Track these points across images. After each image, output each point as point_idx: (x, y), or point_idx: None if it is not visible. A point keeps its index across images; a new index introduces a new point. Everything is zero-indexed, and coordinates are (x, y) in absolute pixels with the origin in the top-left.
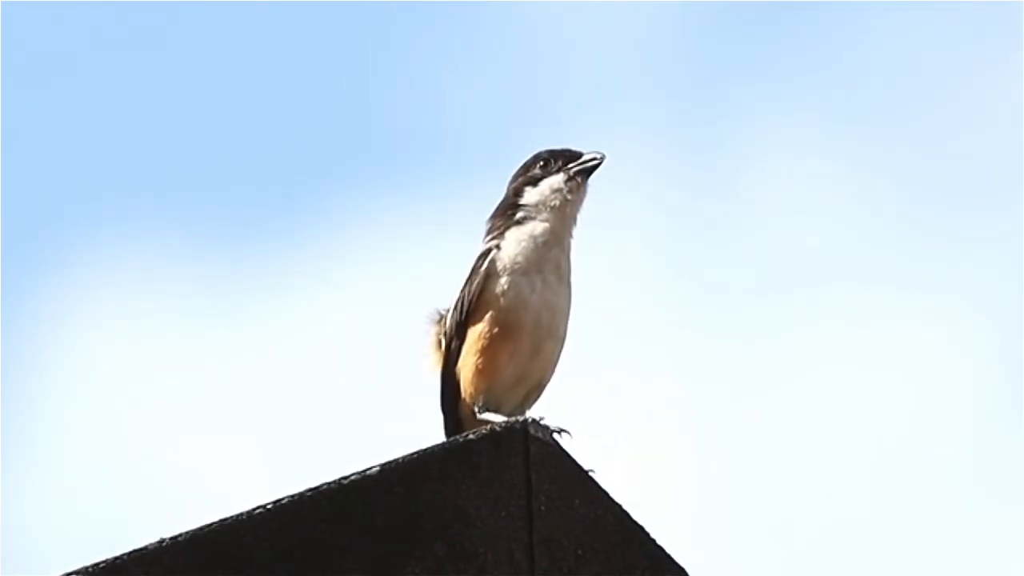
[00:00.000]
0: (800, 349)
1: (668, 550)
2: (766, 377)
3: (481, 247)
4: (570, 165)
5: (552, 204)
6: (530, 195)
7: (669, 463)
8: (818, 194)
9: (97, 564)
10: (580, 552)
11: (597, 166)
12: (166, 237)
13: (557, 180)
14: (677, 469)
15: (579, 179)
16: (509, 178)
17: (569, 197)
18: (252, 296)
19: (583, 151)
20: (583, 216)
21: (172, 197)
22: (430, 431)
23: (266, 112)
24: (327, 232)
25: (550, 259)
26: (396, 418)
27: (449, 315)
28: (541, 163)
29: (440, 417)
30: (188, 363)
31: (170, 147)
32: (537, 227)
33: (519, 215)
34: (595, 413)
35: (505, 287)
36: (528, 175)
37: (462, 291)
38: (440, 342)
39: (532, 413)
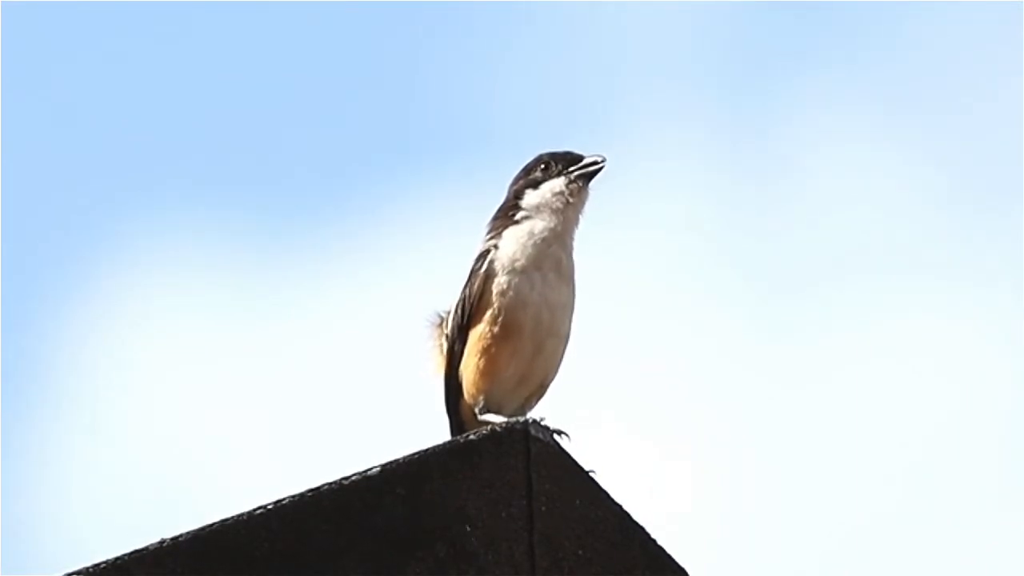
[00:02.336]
0: (846, 341)
1: (669, 550)
2: (807, 370)
3: (479, 247)
4: (571, 168)
5: (553, 206)
6: (530, 197)
7: (690, 458)
8: (869, 184)
9: (98, 564)
10: (581, 552)
11: (599, 170)
12: (211, 226)
13: (558, 183)
14: (697, 465)
15: (580, 183)
16: (510, 181)
17: (570, 200)
18: (283, 290)
19: (584, 155)
20: (594, 217)
21: (219, 186)
22: (431, 431)
23: (314, 101)
24: (368, 225)
25: (550, 256)
26: (397, 418)
27: (450, 317)
28: (542, 166)
29: (441, 418)
30: (209, 355)
31: (217, 136)
32: (536, 225)
33: (518, 216)
34: (619, 407)
35: (504, 286)
36: (529, 177)
37: (462, 293)
38: (442, 346)
39: (534, 414)
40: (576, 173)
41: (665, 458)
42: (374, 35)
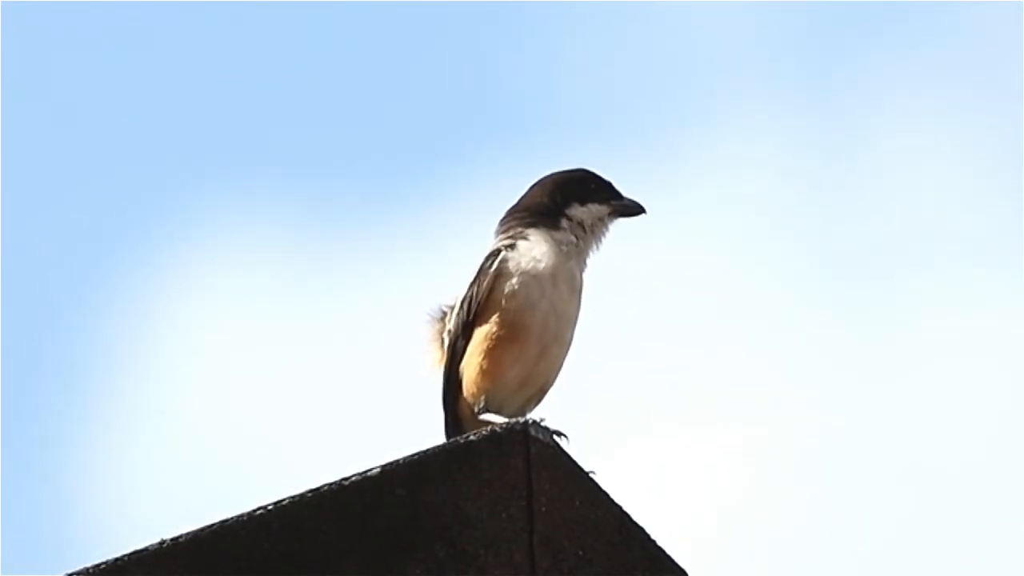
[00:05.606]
0: (919, 329)
1: (668, 551)
2: (877, 359)
3: (492, 245)
4: (614, 201)
5: (588, 226)
6: (576, 210)
7: (700, 457)
8: (949, 169)
9: (98, 565)
10: (581, 553)
11: (634, 215)
12: (272, 210)
13: (603, 209)
14: (714, 461)
15: (616, 216)
16: (544, 185)
17: (604, 230)
18: (301, 287)
19: (622, 192)
20: (667, 205)
21: (284, 169)
22: (431, 432)
23: (378, 87)
24: (428, 211)
25: (567, 269)
26: (397, 418)
27: (454, 313)
28: (592, 185)
29: (441, 417)
30: (221, 352)
31: (282, 120)
32: (567, 238)
33: (558, 223)
34: (676, 395)
35: (515, 287)
36: (578, 190)
37: (469, 290)
38: (442, 340)
39: (534, 415)
40: (620, 208)
41: (710, 451)
42: (442, 21)
